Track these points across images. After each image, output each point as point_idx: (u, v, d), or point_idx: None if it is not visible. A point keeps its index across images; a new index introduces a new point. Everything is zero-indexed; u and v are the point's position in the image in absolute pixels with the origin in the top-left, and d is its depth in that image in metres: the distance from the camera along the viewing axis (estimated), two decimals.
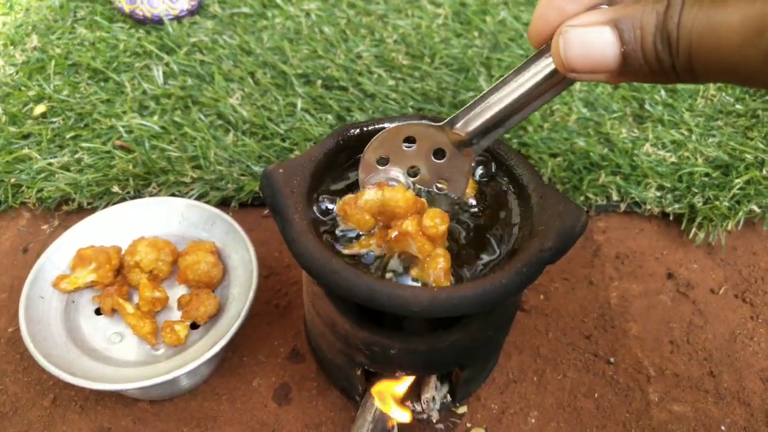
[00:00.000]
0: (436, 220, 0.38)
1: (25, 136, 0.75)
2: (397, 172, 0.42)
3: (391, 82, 0.83)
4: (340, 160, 0.45)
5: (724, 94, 0.85)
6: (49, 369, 0.45)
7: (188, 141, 0.73)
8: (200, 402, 0.53)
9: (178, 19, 0.92)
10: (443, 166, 0.41)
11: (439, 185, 0.42)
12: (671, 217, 0.71)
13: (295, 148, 0.74)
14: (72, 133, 0.74)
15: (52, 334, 0.50)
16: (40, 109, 0.78)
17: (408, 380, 0.49)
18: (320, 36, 0.90)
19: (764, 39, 0.23)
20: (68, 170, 0.70)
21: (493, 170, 0.46)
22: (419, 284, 0.38)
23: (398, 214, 0.39)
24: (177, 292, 0.55)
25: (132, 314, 0.51)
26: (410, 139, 0.41)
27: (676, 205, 0.70)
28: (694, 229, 0.69)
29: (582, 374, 0.57)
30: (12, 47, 0.87)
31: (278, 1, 0.96)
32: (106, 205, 0.67)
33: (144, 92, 0.80)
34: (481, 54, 0.88)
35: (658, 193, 0.71)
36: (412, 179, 0.42)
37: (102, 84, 0.82)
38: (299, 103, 0.79)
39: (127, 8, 0.90)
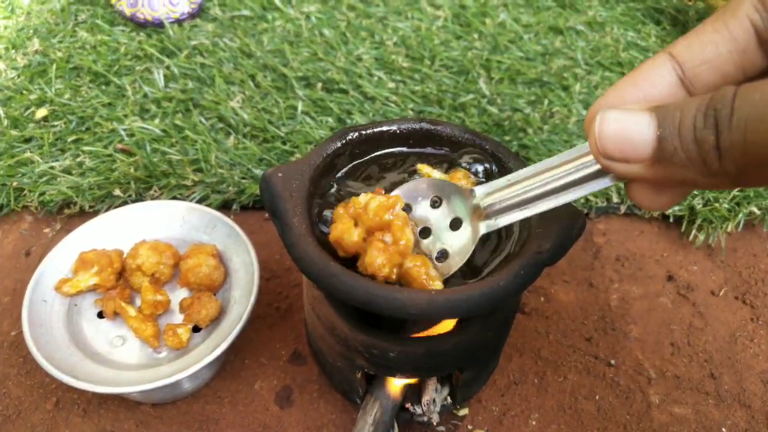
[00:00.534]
0: (417, 263, 0.38)
1: (27, 140, 0.75)
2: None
3: (391, 85, 0.83)
4: (340, 164, 0.46)
5: None
6: (53, 372, 0.46)
7: (189, 144, 0.74)
8: (202, 405, 0.54)
9: (178, 22, 0.92)
10: (453, 237, 0.39)
11: (437, 255, 0.40)
12: (671, 219, 0.71)
13: (295, 150, 0.74)
14: (73, 137, 0.75)
15: (55, 338, 0.50)
16: (41, 112, 0.78)
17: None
18: (320, 39, 0.91)
19: None
20: (70, 174, 0.70)
21: (493, 172, 0.46)
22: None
23: (372, 223, 0.39)
24: (179, 295, 0.55)
25: (134, 317, 0.52)
26: (437, 198, 0.40)
27: (676, 207, 0.70)
28: (694, 231, 0.69)
29: (583, 376, 0.57)
30: (13, 51, 0.88)
31: (278, 4, 0.97)
32: (108, 209, 0.67)
33: (145, 95, 0.80)
34: (481, 56, 0.89)
35: None
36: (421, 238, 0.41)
37: (103, 87, 0.82)
38: (300, 106, 0.79)
39: (128, 11, 0.91)
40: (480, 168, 0.46)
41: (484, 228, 0.37)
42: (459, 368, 0.47)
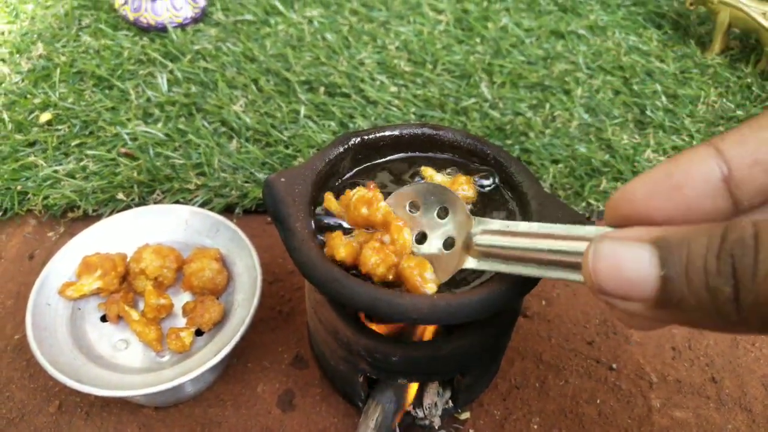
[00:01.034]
0: (412, 264, 0.38)
1: (31, 144, 0.75)
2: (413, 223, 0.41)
3: (394, 89, 0.84)
4: (343, 169, 0.46)
5: (725, 99, 0.85)
6: (57, 376, 0.46)
7: (192, 148, 0.74)
8: (205, 408, 0.54)
9: (181, 26, 0.93)
10: (444, 255, 0.39)
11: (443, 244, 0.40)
12: None
13: (298, 154, 0.74)
14: (77, 141, 0.75)
15: (59, 341, 0.50)
16: (45, 116, 0.78)
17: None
18: (323, 43, 0.91)
19: None
20: (74, 177, 0.71)
21: (493, 177, 0.46)
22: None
23: (356, 217, 0.39)
24: (182, 299, 0.56)
25: (137, 321, 0.52)
26: (444, 211, 0.40)
27: None
28: None
29: (584, 380, 0.57)
30: (17, 55, 0.88)
31: (281, 9, 0.97)
32: (111, 213, 0.68)
33: (148, 100, 0.81)
34: (483, 60, 0.89)
35: None
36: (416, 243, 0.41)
37: (107, 91, 0.82)
38: (302, 110, 0.79)
39: (131, 16, 0.91)
40: (485, 182, 0.46)
41: (468, 263, 0.36)
42: (461, 372, 0.47)
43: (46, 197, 0.69)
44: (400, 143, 0.47)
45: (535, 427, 0.54)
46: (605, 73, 0.89)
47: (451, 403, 0.52)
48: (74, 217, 0.69)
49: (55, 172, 0.71)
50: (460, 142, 0.47)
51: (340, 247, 0.38)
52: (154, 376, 0.48)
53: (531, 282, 0.37)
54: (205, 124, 0.78)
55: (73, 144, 0.75)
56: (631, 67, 0.90)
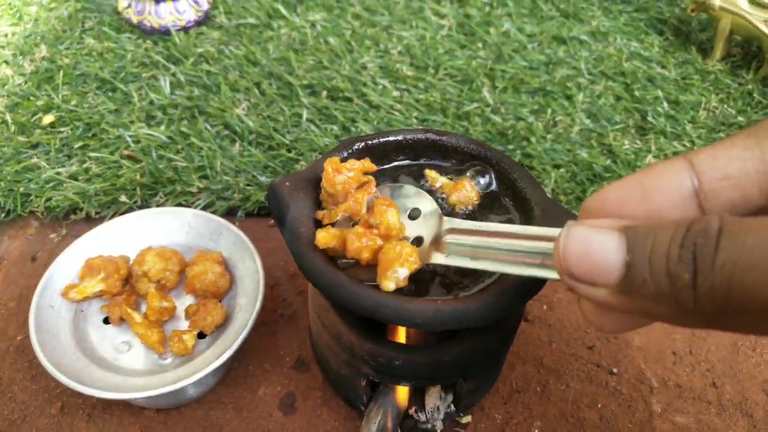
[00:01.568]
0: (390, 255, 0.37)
1: (34, 146, 0.75)
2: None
3: (396, 93, 0.84)
4: None
5: (726, 106, 0.85)
6: (59, 378, 0.46)
7: (195, 151, 0.74)
8: (206, 411, 0.54)
9: (184, 29, 0.93)
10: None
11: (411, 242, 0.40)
12: None
13: (300, 158, 0.74)
14: (80, 143, 0.75)
15: (62, 343, 0.50)
16: (48, 118, 0.78)
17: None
18: (325, 47, 0.91)
19: None
20: (76, 180, 0.71)
21: (495, 183, 0.46)
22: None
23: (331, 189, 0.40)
24: (184, 301, 0.56)
25: (140, 324, 0.52)
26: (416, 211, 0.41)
27: None
28: None
29: (585, 385, 0.57)
30: (21, 57, 0.88)
31: (284, 12, 0.97)
32: (114, 215, 0.68)
33: (151, 102, 0.81)
34: (485, 65, 0.89)
35: None
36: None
37: (110, 94, 0.83)
38: (305, 114, 0.80)
39: (134, 19, 0.91)
40: (482, 180, 0.46)
41: (436, 258, 0.37)
42: (463, 376, 0.48)
43: (48, 199, 0.69)
44: (404, 148, 0.48)
45: (537, 431, 0.54)
46: (607, 78, 0.90)
47: (452, 407, 0.52)
48: (77, 219, 0.69)
49: (58, 174, 0.71)
50: (463, 147, 0.47)
51: (323, 234, 0.38)
52: (157, 379, 0.48)
53: (534, 287, 0.37)
54: (208, 127, 0.78)
55: (75, 146, 0.75)
56: (632, 72, 0.90)
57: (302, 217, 0.40)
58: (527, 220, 0.43)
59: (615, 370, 0.58)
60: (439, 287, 0.39)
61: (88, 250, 0.56)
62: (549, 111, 0.83)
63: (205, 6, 0.95)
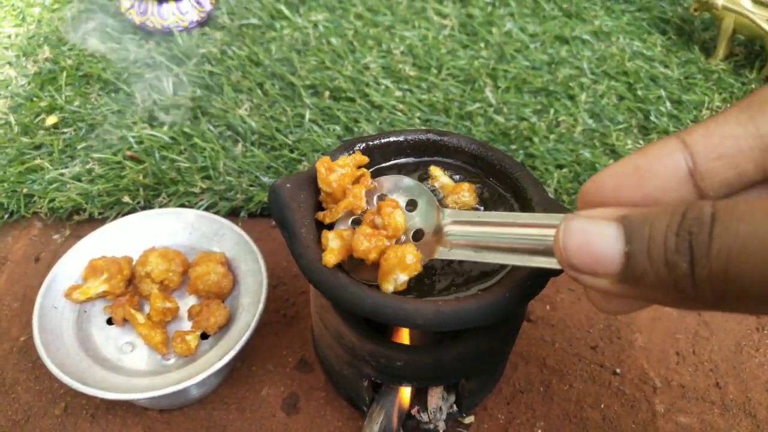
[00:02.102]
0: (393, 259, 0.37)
1: (37, 147, 0.76)
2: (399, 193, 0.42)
3: (398, 93, 0.84)
4: None
5: (729, 105, 0.85)
6: (63, 378, 0.46)
7: (198, 152, 0.74)
8: (209, 411, 0.54)
9: (187, 30, 0.93)
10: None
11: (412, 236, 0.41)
12: None
13: (303, 158, 0.74)
14: (83, 144, 0.75)
15: (65, 344, 0.50)
16: (51, 119, 0.79)
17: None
18: (328, 47, 0.91)
19: None
20: (79, 180, 0.71)
21: (496, 183, 0.46)
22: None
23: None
24: (187, 302, 0.56)
25: (143, 324, 0.52)
26: (413, 203, 0.41)
27: None
28: None
29: (588, 385, 0.57)
30: (24, 58, 0.89)
31: (286, 13, 0.97)
32: (117, 216, 0.68)
33: (154, 103, 0.81)
34: (488, 65, 0.89)
35: None
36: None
37: (113, 95, 0.83)
38: (307, 114, 0.80)
39: (137, 20, 0.92)
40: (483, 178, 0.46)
41: (439, 253, 0.37)
42: (466, 377, 0.48)
43: (51, 200, 0.69)
44: (406, 149, 0.48)
45: (539, 431, 0.54)
46: (609, 78, 0.89)
47: (455, 408, 0.52)
48: (80, 220, 0.69)
49: (61, 175, 0.71)
50: (465, 147, 0.47)
51: (331, 241, 0.38)
52: (160, 379, 0.48)
53: (536, 287, 0.37)
54: (211, 127, 0.78)
55: (79, 147, 0.75)
56: (635, 72, 0.90)
57: (303, 218, 0.40)
58: None
59: (618, 370, 0.58)
60: (440, 287, 0.39)
61: (91, 251, 0.56)
62: (552, 111, 0.83)
63: (208, 7, 0.95)
